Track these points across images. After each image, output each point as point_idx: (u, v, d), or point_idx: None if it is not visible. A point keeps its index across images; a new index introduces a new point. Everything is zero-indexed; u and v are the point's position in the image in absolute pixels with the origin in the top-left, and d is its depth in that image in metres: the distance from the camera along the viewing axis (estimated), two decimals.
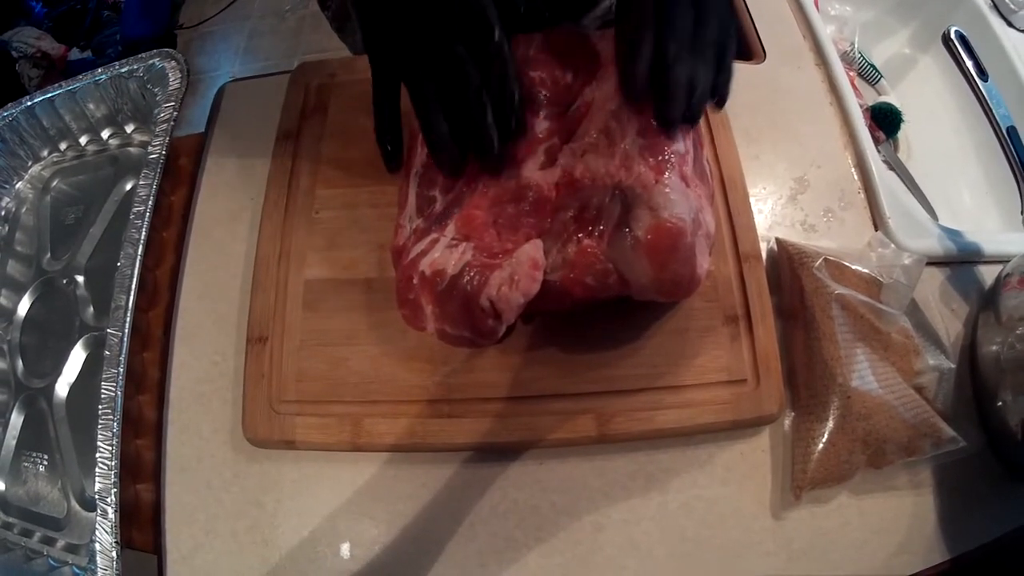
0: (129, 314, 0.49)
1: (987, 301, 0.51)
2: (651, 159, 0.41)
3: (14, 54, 1.23)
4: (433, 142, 0.40)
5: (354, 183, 0.52)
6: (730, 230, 0.49)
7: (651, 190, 0.39)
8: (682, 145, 0.42)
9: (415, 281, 0.41)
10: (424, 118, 0.39)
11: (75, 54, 1.25)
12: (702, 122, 0.52)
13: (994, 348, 0.48)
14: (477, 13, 0.38)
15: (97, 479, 0.45)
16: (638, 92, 0.37)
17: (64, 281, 0.59)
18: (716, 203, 0.49)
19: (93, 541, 0.44)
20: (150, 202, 0.51)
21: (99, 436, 0.46)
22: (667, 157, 0.41)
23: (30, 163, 0.65)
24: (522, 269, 0.40)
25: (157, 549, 0.46)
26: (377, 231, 0.50)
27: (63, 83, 0.62)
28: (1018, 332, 0.46)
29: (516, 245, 0.41)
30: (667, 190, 0.39)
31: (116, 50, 1.16)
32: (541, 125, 0.43)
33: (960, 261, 0.54)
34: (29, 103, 0.62)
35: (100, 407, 0.47)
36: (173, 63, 0.58)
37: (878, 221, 0.54)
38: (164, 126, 0.55)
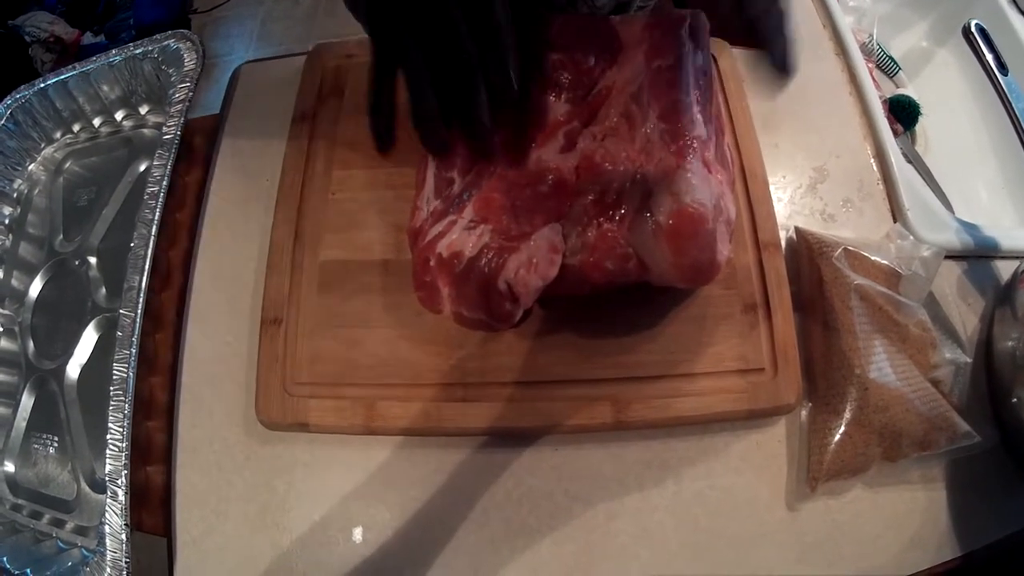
0: (142, 295, 0.48)
1: (1004, 297, 0.51)
2: (673, 144, 0.40)
3: (27, 38, 1.23)
4: (417, 115, 0.36)
5: (371, 164, 0.51)
6: (750, 218, 0.49)
7: (673, 175, 0.39)
8: (704, 131, 0.42)
9: (432, 263, 0.41)
10: (412, 87, 0.36)
11: (88, 38, 1.25)
12: (723, 108, 0.52)
13: (1010, 344, 0.48)
14: None
15: (107, 461, 0.45)
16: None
17: (76, 262, 0.58)
18: (736, 190, 0.48)
19: (102, 523, 0.44)
20: (164, 182, 0.51)
21: (110, 418, 0.46)
22: (689, 142, 0.40)
23: (43, 145, 0.65)
24: (540, 252, 0.39)
25: (167, 532, 0.46)
26: (394, 213, 0.49)
27: (77, 65, 0.62)
28: None
29: (535, 228, 0.41)
30: (689, 175, 0.39)
31: (130, 35, 1.16)
32: (561, 108, 0.42)
33: (977, 256, 0.54)
34: (42, 85, 0.62)
35: (111, 388, 0.46)
36: (188, 44, 0.58)
37: (897, 213, 0.54)
38: (179, 106, 0.54)
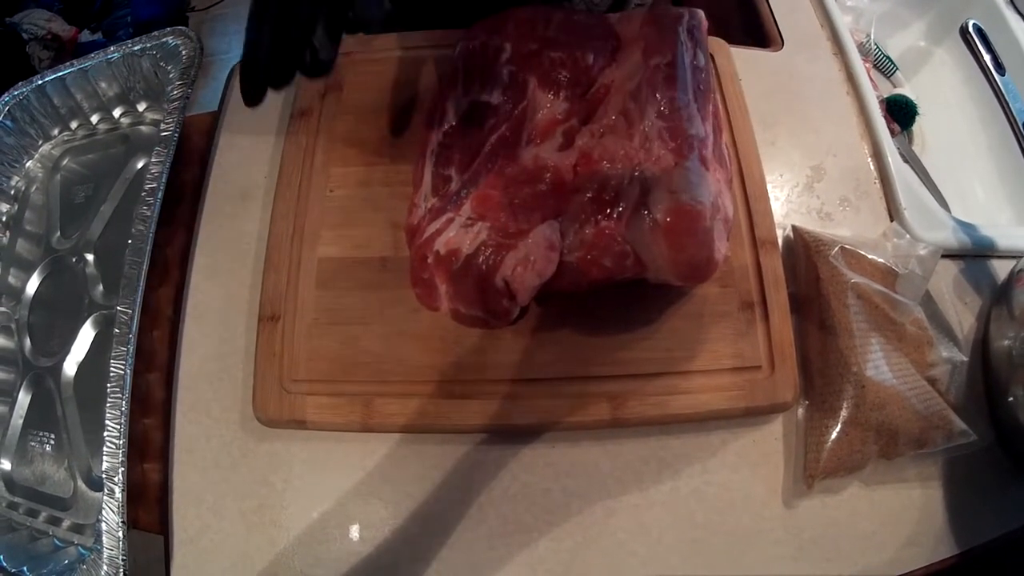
0: (139, 291, 0.48)
1: (1000, 296, 0.51)
2: (671, 142, 0.41)
3: (24, 36, 1.22)
4: (250, 58, 0.36)
5: (369, 161, 0.51)
6: (747, 216, 0.49)
7: (671, 172, 0.39)
8: (702, 129, 0.42)
9: (429, 260, 0.41)
10: (252, 28, 0.36)
11: (86, 36, 1.24)
12: (720, 107, 0.52)
13: (1006, 343, 0.48)
14: None
15: (104, 458, 0.44)
16: None
17: (73, 259, 0.58)
18: (733, 188, 0.48)
19: (99, 521, 0.43)
20: (163, 179, 0.51)
21: (107, 415, 0.45)
22: (687, 140, 0.41)
23: (40, 142, 0.64)
24: (538, 250, 0.40)
25: (164, 529, 0.46)
26: (392, 210, 0.49)
27: (74, 61, 0.62)
28: None
29: (532, 226, 0.41)
30: (687, 173, 0.39)
31: (127, 32, 1.15)
32: (560, 106, 0.42)
33: (974, 255, 0.54)
34: (39, 82, 0.62)
35: (108, 386, 0.46)
36: (187, 41, 0.57)
37: (893, 212, 0.54)
38: (177, 103, 0.54)
